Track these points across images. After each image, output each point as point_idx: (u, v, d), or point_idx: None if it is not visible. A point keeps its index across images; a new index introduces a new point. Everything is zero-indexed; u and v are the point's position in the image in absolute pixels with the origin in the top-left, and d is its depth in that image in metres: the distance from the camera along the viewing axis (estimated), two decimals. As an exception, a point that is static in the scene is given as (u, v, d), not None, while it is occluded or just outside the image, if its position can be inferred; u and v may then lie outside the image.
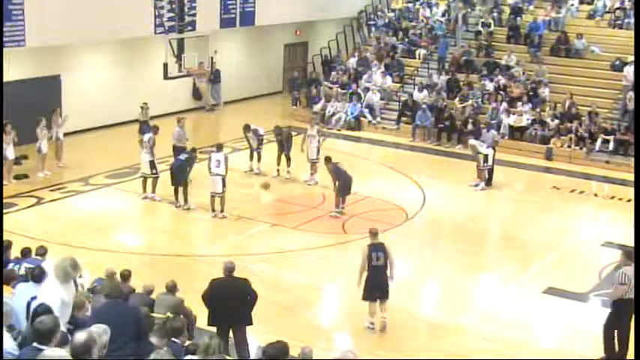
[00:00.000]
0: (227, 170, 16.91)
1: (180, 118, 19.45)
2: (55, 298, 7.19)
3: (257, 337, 10.71)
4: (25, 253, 11.04)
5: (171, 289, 10.59)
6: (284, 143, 19.78)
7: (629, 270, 10.95)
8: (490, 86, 25.16)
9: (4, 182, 17.69)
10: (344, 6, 30.77)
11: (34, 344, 5.92)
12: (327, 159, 17.64)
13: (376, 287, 12.04)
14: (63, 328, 6.75)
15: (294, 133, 20.77)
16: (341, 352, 8.16)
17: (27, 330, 6.83)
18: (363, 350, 11.43)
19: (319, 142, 19.37)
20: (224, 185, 16.76)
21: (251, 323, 10.48)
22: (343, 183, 17.04)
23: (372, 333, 12.17)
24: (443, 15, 29.55)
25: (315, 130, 19.64)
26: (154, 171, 17.75)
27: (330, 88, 26.97)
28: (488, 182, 19.75)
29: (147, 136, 17.90)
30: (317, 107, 25.88)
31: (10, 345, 6.33)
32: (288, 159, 19.74)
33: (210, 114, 27.30)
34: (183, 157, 17.63)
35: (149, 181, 17.86)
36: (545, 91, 24.56)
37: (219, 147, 17.49)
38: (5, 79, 18.78)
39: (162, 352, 6.76)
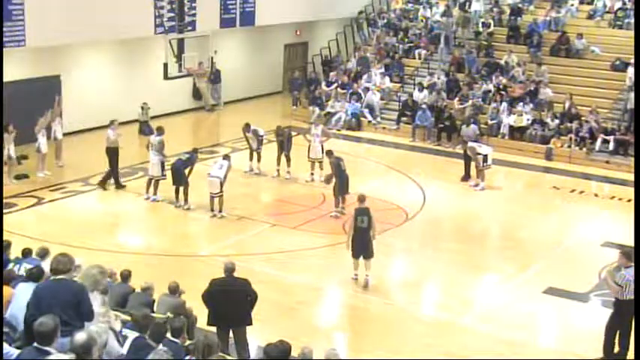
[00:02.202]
0: (226, 177, 16.92)
1: (112, 121, 18.81)
2: None
3: (257, 337, 10.72)
4: (26, 253, 11.04)
5: (174, 290, 10.59)
6: (284, 143, 19.78)
7: (629, 272, 10.96)
8: (489, 87, 25.14)
9: (4, 182, 17.71)
10: (344, 6, 30.77)
11: (35, 345, 5.92)
12: (329, 152, 17.83)
13: (360, 246, 13.57)
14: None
15: (294, 133, 20.79)
16: (326, 352, 8.15)
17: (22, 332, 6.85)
18: (363, 350, 11.47)
19: (322, 141, 19.43)
20: (221, 187, 16.79)
21: (251, 323, 10.48)
22: (340, 181, 17.07)
23: (370, 334, 12.19)
24: (443, 15, 29.54)
25: (319, 130, 19.67)
26: (163, 173, 17.72)
27: (329, 88, 26.94)
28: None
29: (156, 139, 17.77)
30: (317, 113, 25.71)
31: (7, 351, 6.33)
32: (288, 159, 19.74)
33: (210, 114, 27.30)
34: (184, 157, 17.63)
35: (153, 181, 17.82)
36: (545, 92, 24.53)
37: (226, 157, 17.56)
38: (5, 79, 18.81)
39: (160, 352, 6.75)
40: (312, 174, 19.54)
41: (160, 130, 17.98)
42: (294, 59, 31.54)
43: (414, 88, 25.96)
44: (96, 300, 7.37)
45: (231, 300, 10.34)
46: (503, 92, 24.75)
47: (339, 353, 8.05)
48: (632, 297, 10.90)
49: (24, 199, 17.59)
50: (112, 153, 18.39)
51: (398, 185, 19.89)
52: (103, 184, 18.51)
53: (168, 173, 17.61)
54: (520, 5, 28.83)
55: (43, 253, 10.94)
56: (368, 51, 28.78)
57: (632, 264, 11.10)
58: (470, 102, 24.54)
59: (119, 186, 18.49)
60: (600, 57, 25.73)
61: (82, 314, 6.90)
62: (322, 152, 19.23)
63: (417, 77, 26.77)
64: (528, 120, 23.53)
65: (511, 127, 23.45)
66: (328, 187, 17.75)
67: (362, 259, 13.66)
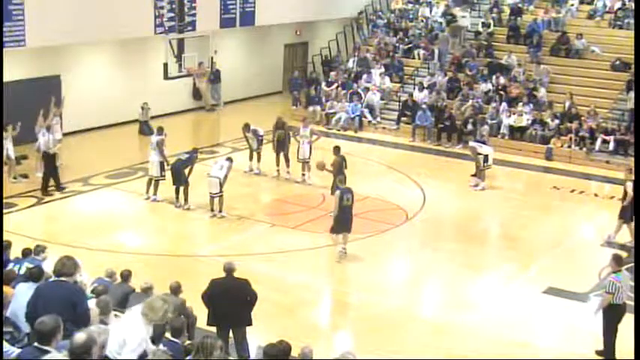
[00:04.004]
0: (226, 178, 16.91)
1: (49, 125, 18.31)
2: (135, 337, 6.86)
3: (257, 337, 10.71)
4: (26, 253, 11.05)
5: (175, 290, 10.58)
6: (284, 142, 19.70)
7: (617, 277, 10.99)
8: (488, 87, 25.12)
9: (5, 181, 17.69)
10: (344, 6, 30.79)
11: (35, 344, 5.93)
12: (337, 149, 17.69)
13: (343, 223, 14.63)
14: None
15: (292, 133, 20.74)
16: (340, 353, 8.16)
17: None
18: (362, 350, 11.43)
19: (311, 142, 19.40)
20: (221, 188, 16.79)
21: (251, 324, 10.48)
22: (339, 181, 17.01)
23: (370, 334, 12.21)
24: (442, 15, 29.53)
25: (307, 131, 19.63)
26: (162, 173, 17.69)
27: (329, 88, 26.94)
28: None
29: (156, 138, 17.75)
30: (317, 113, 25.71)
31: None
32: (287, 159, 19.72)
33: (210, 114, 27.29)
34: (184, 157, 17.62)
35: (152, 181, 17.81)
36: (543, 92, 24.52)
37: (229, 158, 17.53)
38: (5, 79, 18.79)
39: (160, 352, 6.75)
40: (303, 174, 19.49)
41: (160, 130, 17.97)
42: (294, 59, 31.54)
43: (414, 88, 25.97)
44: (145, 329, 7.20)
45: (231, 300, 10.33)
46: (502, 92, 24.76)
47: (352, 353, 8.03)
48: (622, 302, 10.97)
49: (24, 199, 17.58)
50: (49, 158, 17.78)
51: (398, 185, 19.89)
52: (44, 191, 17.79)
53: (168, 173, 17.61)
54: (520, 5, 28.84)
55: (39, 250, 10.96)
56: (368, 51, 28.78)
57: (620, 269, 11.16)
58: (470, 102, 24.54)
59: (46, 193, 17.69)
60: (600, 57, 25.72)
61: (78, 316, 6.92)
62: (310, 153, 19.23)
63: (417, 77, 26.78)
64: (528, 120, 23.53)
65: (511, 127, 23.46)
66: (328, 187, 17.73)
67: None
